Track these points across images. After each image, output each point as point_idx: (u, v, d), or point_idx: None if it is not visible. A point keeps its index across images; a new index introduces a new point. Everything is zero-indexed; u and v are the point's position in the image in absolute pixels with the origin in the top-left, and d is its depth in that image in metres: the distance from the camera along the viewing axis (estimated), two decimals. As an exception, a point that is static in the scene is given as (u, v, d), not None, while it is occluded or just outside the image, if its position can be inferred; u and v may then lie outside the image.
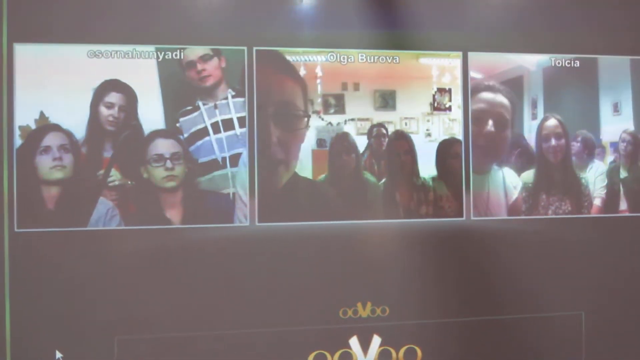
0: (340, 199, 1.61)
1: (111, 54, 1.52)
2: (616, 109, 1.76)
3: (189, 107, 1.56)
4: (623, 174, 1.76)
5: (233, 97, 1.57)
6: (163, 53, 1.54)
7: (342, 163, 1.62)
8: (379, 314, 1.62)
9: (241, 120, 1.57)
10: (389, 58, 1.65)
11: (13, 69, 1.48)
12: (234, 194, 1.56)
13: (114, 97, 1.52)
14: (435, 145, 1.66)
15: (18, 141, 1.48)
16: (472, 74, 1.68)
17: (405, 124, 1.65)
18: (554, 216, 1.71)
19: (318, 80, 1.61)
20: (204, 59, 1.56)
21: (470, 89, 1.68)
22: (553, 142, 1.72)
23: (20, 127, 1.48)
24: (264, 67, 1.58)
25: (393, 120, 1.65)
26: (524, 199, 1.71)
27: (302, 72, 1.60)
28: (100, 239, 1.50)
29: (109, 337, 1.51)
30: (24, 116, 1.48)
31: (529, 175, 1.72)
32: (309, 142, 1.60)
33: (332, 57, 1.62)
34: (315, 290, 1.59)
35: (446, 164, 1.66)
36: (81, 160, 1.50)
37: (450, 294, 1.66)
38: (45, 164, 1.48)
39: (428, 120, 1.66)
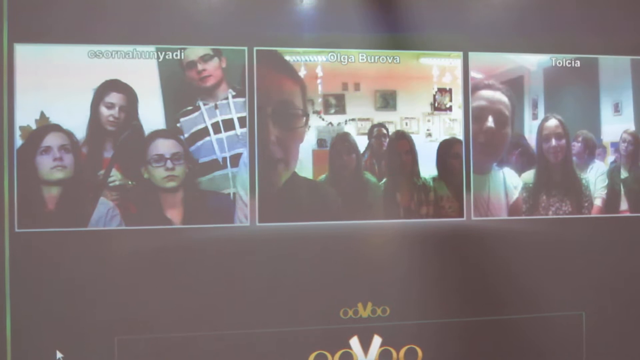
0: (341, 199, 1.61)
1: (112, 54, 1.52)
2: (617, 109, 1.76)
3: (190, 107, 1.56)
4: (624, 174, 1.76)
5: (233, 97, 1.57)
6: (163, 53, 1.54)
7: (343, 163, 1.62)
8: (379, 314, 1.62)
9: (242, 121, 1.57)
10: (390, 58, 1.65)
11: (13, 69, 1.48)
12: (234, 194, 1.56)
13: (114, 98, 1.52)
14: (435, 146, 1.66)
15: (18, 141, 1.48)
16: (473, 74, 1.68)
17: (406, 124, 1.65)
18: (554, 216, 1.71)
19: (318, 80, 1.61)
20: (205, 59, 1.56)
21: (470, 89, 1.68)
22: (553, 142, 1.72)
23: (21, 128, 1.48)
24: (264, 67, 1.58)
25: (394, 121, 1.65)
26: (525, 199, 1.71)
27: (302, 72, 1.60)
28: (101, 239, 1.50)
29: (109, 337, 1.50)
30: (25, 116, 1.48)
31: (529, 175, 1.72)
32: (309, 142, 1.60)
33: (332, 57, 1.62)
34: (315, 290, 1.59)
35: (447, 164, 1.66)
36: (82, 160, 1.50)
37: (451, 294, 1.66)
38: (46, 164, 1.48)
39: (429, 120, 1.66)
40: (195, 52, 1.56)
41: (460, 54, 1.67)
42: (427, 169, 1.66)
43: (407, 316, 1.64)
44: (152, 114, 1.53)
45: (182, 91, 1.56)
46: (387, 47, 1.64)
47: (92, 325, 1.50)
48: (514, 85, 1.70)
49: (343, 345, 1.61)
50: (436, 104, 1.66)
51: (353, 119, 1.63)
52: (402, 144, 1.65)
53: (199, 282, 1.54)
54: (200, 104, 1.56)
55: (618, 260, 1.74)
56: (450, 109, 1.67)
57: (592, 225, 1.73)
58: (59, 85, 1.49)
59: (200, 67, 1.56)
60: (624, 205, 1.76)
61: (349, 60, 1.63)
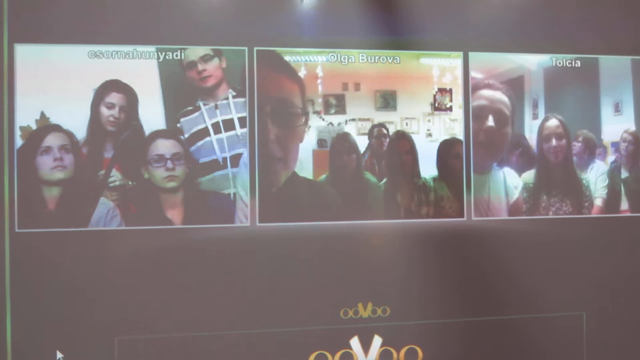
0: (341, 199, 1.61)
1: (112, 55, 1.52)
2: (617, 109, 1.76)
3: (190, 108, 1.56)
4: (624, 174, 1.76)
5: (234, 97, 1.57)
6: (164, 53, 1.54)
7: (343, 163, 1.62)
8: (379, 315, 1.62)
9: (242, 121, 1.57)
10: (390, 58, 1.65)
11: (14, 70, 1.48)
12: (234, 194, 1.56)
13: (114, 98, 1.52)
14: (436, 146, 1.66)
15: (19, 141, 1.48)
16: (473, 74, 1.68)
17: (406, 124, 1.65)
18: (555, 216, 1.71)
19: (319, 81, 1.61)
20: (205, 59, 1.56)
21: (470, 89, 1.68)
22: (554, 142, 1.72)
23: (21, 128, 1.48)
24: (264, 67, 1.58)
25: (394, 121, 1.65)
26: (525, 199, 1.70)
27: (302, 72, 1.60)
28: (101, 239, 1.51)
29: (110, 338, 1.51)
30: (25, 117, 1.48)
31: (530, 175, 1.72)
32: (309, 142, 1.60)
33: (332, 58, 1.62)
34: (316, 290, 1.59)
35: (447, 164, 1.66)
36: (82, 160, 1.50)
37: (451, 294, 1.66)
38: (46, 165, 1.48)
39: (429, 121, 1.66)
40: (195, 52, 1.56)
41: (461, 54, 1.67)
42: (428, 169, 1.66)
43: (407, 316, 1.64)
44: (152, 114, 1.54)
45: (182, 91, 1.56)
46: (387, 47, 1.64)
47: (92, 326, 1.50)
48: (514, 85, 1.70)
49: (343, 346, 1.61)
50: (436, 104, 1.66)
51: (353, 119, 1.63)
52: (403, 144, 1.65)
53: (199, 282, 1.54)
54: (201, 104, 1.56)
55: (619, 261, 1.74)
56: (450, 109, 1.67)
57: (592, 225, 1.73)
58: (59, 85, 1.49)
59: (200, 67, 1.56)
60: (624, 205, 1.76)
61: (349, 60, 1.63)
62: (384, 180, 1.64)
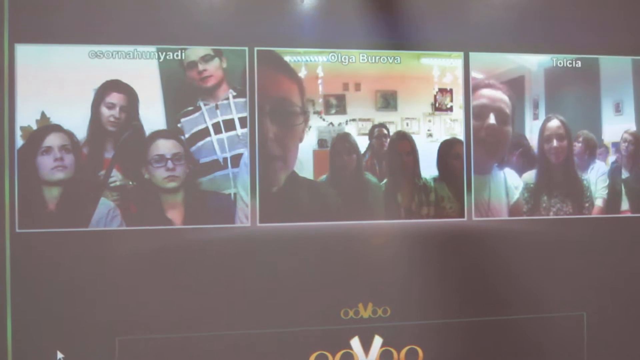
0: (342, 199, 1.61)
1: (112, 55, 1.52)
2: (618, 109, 1.76)
3: (190, 108, 1.56)
4: (625, 174, 1.76)
5: (234, 97, 1.57)
6: (164, 53, 1.54)
7: (343, 163, 1.62)
8: (380, 315, 1.62)
9: (242, 121, 1.57)
10: (390, 58, 1.64)
11: (14, 70, 1.48)
12: (235, 194, 1.56)
13: (115, 98, 1.52)
14: (436, 146, 1.66)
15: (19, 142, 1.48)
16: (474, 74, 1.68)
17: (407, 125, 1.65)
18: (555, 217, 1.71)
19: (319, 81, 1.61)
20: (205, 59, 1.56)
21: (471, 89, 1.68)
22: (555, 143, 1.72)
23: (22, 128, 1.48)
24: (264, 67, 1.58)
25: (394, 121, 1.65)
26: (526, 200, 1.70)
27: (303, 72, 1.60)
28: (102, 239, 1.50)
29: (110, 338, 1.51)
30: (25, 117, 1.48)
31: (530, 175, 1.72)
32: (310, 142, 1.60)
33: (333, 58, 1.62)
34: (316, 290, 1.59)
35: (447, 164, 1.66)
36: (82, 160, 1.50)
37: (451, 294, 1.66)
38: (47, 165, 1.48)
39: (429, 121, 1.66)
40: (196, 52, 1.56)
41: (461, 54, 1.67)
42: (428, 169, 1.66)
43: (408, 317, 1.64)
44: (152, 115, 1.54)
45: (182, 91, 1.56)
46: (387, 47, 1.64)
47: (93, 326, 1.50)
48: (515, 86, 1.70)
49: (344, 346, 1.61)
50: (437, 104, 1.66)
51: (354, 119, 1.63)
52: (404, 144, 1.65)
53: (199, 282, 1.54)
54: (201, 104, 1.56)
55: (619, 261, 1.74)
56: (451, 109, 1.67)
57: (593, 225, 1.73)
58: (60, 85, 1.49)
59: (201, 67, 1.56)
60: (625, 205, 1.76)
61: (350, 60, 1.63)
62: (385, 180, 1.64)
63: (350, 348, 1.61)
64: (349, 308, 1.61)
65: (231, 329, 1.55)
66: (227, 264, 1.55)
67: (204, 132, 1.56)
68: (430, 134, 1.66)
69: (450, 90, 1.67)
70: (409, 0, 1.64)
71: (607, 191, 1.75)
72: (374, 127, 1.64)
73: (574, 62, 1.73)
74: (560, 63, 1.73)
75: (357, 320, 1.61)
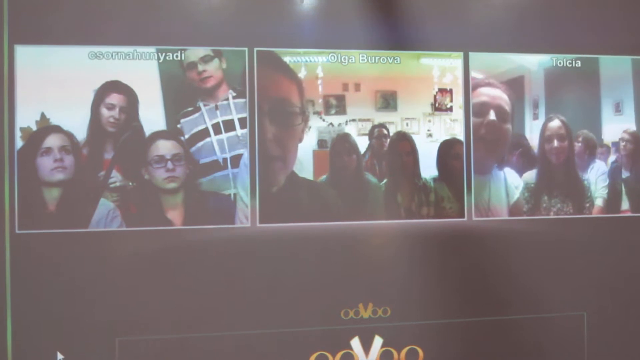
0: (342, 199, 1.61)
1: (112, 56, 1.52)
2: (618, 109, 1.75)
3: (190, 108, 1.56)
4: (625, 174, 1.76)
5: (234, 98, 1.57)
6: (164, 54, 1.54)
7: (343, 164, 1.62)
8: (380, 315, 1.62)
9: (242, 121, 1.57)
10: (390, 59, 1.64)
11: (14, 71, 1.48)
12: (235, 195, 1.56)
13: (114, 99, 1.52)
14: (436, 146, 1.66)
15: (19, 142, 1.48)
16: (473, 74, 1.68)
17: (407, 125, 1.65)
18: (556, 216, 1.71)
19: (319, 81, 1.61)
20: (205, 60, 1.56)
21: (471, 89, 1.68)
22: (556, 143, 1.72)
23: (21, 129, 1.48)
24: (264, 67, 1.58)
25: (394, 121, 1.65)
26: (526, 200, 1.70)
27: (302, 73, 1.60)
28: (102, 240, 1.50)
29: (111, 339, 1.51)
30: (25, 118, 1.48)
31: (530, 175, 1.72)
32: (310, 143, 1.60)
33: (332, 58, 1.62)
34: (316, 291, 1.59)
35: (447, 164, 1.66)
36: (82, 161, 1.50)
37: (452, 294, 1.66)
38: (46, 166, 1.48)
39: (429, 121, 1.66)
40: (195, 53, 1.56)
41: (461, 54, 1.67)
42: (428, 169, 1.66)
43: (408, 317, 1.64)
44: (152, 115, 1.54)
45: (182, 92, 1.56)
46: (387, 47, 1.64)
47: (93, 327, 1.50)
48: (515, 86, 1.70)
49: (344, 346, 1.61)
50: (437, 105, 1.66)
51: (353, 120, 1.63)
52: (404, 145, 1.65)
53: (199, 283, 1.54)
54: (201, 104, 1.56)
55: (619, 260, 1.74)
56: (450, 109, 1.67)
57: (593, 225, 1.73)
58: (60, 86, 1.49)
59: (200, 68, 1.56)
60: (625, 205, 1.76)
61: (350, 60, 1.63)
62: (385, 180, 1.64)
63: (351, 348, 1.61)
64: (349, 308, 1.61)
65: (231, 330, 1.55)
66: (227, 265, 1.55)
67: (204, 133, 1.56)
68: (430, 134, 1.66)
69: (450, 91, 1.67)
70: (408, 0, 1.64)
71: (607, 191, 1.75)
72: (373, 127, 1.64)
73: (573, 61, 1.73)
74: (560, 63, 1.73)
75: (357, 321, 1.61)
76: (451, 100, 1.67)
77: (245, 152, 1.57)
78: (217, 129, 1.57)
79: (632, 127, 1.76)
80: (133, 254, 1.52)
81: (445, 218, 1.66)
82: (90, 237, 1.50)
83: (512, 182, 1.71)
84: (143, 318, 1.52)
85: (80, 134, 1.50)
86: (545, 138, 1.72)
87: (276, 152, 1.58)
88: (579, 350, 1.71)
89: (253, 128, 1.57)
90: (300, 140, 1.60)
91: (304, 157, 1.60)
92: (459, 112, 1.67)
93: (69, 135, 1.49)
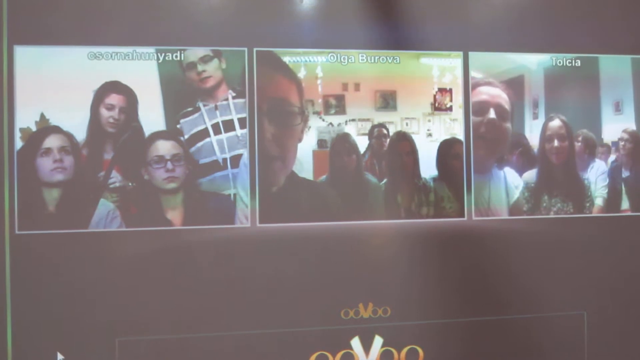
0: (341, 199, 1.61)
1: (111, 56, 1.52)
2: (618, 108, 1.75)
3: (190, 109, 1.56)
4: (625, 173, 1.76)
5: (233, 98, 1.57)
6: (163, 54, 1.54)
7: (343, 164, 1.62)
8: (380, 315, 1.62)
9: (242, 121, 1.57)
10: (390, 58, 1.64)
11: (13, 71, 1.48)
12: (234, 195, 1.56)
13: (114, 99, 1.52)
14: (436, 146, 1.66)
15: (19, 143, 1.48)
16: (473, 73, 1.67)
17: (406, 124, 1.65)
18: (555, 216, 1.71)
19: (318, 81, 1.61)
20: (205, 60, 1.56)
21: (470, 89, 1.67)
22: (556, 143, 1.71)
23: (21, 129, 1.48)
24: (263, 67, 1.58)
25: (394, 121, 1.64)
26: (526, 199, 1.70)
27: (302, 73, 1.60)
28: (101, 240, 1.50)
29: (111, 339, 1.51)
30: (25, 118, 1.48)
31: (530, 175, 1.72)
32: (309, 143, 1.60)
33: (332, 58, 1.62)
34: (316, 290, 1.59)
35: (447, 164, 1.66)
36: (82, 162, 1.50)
37: (452, 294, 1.66)
38: (46, 166, 1.48)
39: (429, 120, 1.66)
40: (195, 53, 1.56)
41: (461, 53, 1.67)
42: (428, 169, 1.65)
43: (408, 317, 1.64)
44: (152, 116, 1.53)
45: (182, 92, 1.56)
46: (387, 47, 1.64)
47: (93, 327, 1.50)
48: (514, 85, 1.70)
49: (344, 346, 1.61)
50: (436, 104, 1.66)
51: (353, 120, 1.63)
52: (404, 145, 1.65)
53: (199, 283, 1.54)
54: (200, 105, 1.56)
55: (619, 260, 1.74)
56: (450, 109, 1.67)
57: (593, 224, 1.73)
58: (59, 86, 1.49)
59: (200, 68, 1.56)
60: (625, 204, 1.76)
61: (349, 60, 1.63)
62: (384, 180, 1.64)
63: (351, 348, 1.61)
64: (349, 308, 1.61)
65: (231, 330, 1.55)
66: (227, 265, 1.55)
67: (204, 133, 1.56)
68: (430, 133, 1.66)
69: (450, 90, 1.67)
70: (408, 0, 1.64)
71: (607, 190, 1.74)
72: (373, 127, 1.64)
73: (573, 61, 1.73)
74: (559, 62, 1.73)
75: (357, 320, 1.61)
76: (451, 100, 1.67)
77: (244, 152, 1.57)
78: (216, 129, 1.56)
79: (632, 127, 1.76)
80: (133, 255, 1.52)
81: (445, 218, 1.66)
82: (90, 237, 1.50)
83: (512, 181, 1.71)
84: (143, 318, 1.52)
85: (80, 134, 1.50)
86: (545, 137, 1.72)
87: (276, 152, 1.58)
88: (579, 350, 1.71)
89: (253, 128, 1.57)
90: (300, 140, 1.60)
91: (304, 157, 1.60)
92: (458, 112, 1.67)
93: (69, 136, 1.49)
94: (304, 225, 1.59)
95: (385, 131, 1.64)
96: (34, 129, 1.48)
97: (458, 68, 1.67)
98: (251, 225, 1.56)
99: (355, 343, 1.61)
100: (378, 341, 1.62)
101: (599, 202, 1.74)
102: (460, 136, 1.67)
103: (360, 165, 1.63)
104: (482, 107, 1.68)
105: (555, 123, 1.72)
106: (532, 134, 1.71)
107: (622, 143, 1.75)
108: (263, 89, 1.58)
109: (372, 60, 1.64)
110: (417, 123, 1.65)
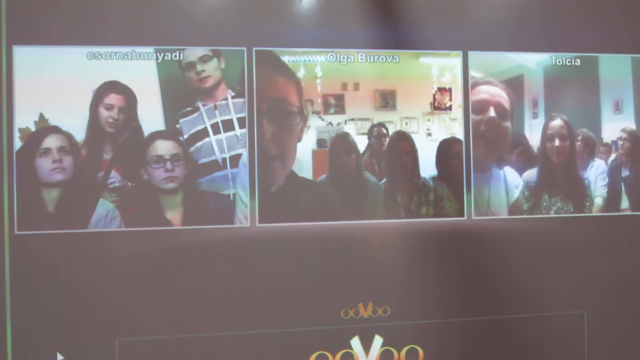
0: (341, 199, 1.61)
1: (110, 56, 1.52)
2: (617, 107, 1.75)
3: (189, 108, 1.56)
4: (624, 172, 1.76)
5: (233, 97, 1.57)
6: (162, 54, 1.54)
7: (343, 163, 1.62)
8: (380, 314, 1.62)
9: (241, 121, 1.57)
10: (389, 58, 1.64)
11: (12, 72, 1.48)
12: (234, 194, 1.56)
13: (113, 99, 1.52)
14: (435, 145, 1.66)
15: (18, 143, 1.48)
16: (473, 73, 1.67)
17: (406, 124, 1.65)
18: (555, 215, 1.71)
19: (318, 81, 1.61)
20: (204, 59, 1.56)
21: (470, 88, 1.67)
22: (557, 142, 1.71)
23: (20, 129, 1.48)
24: (263, 67, 1.58)
25: (393, 120, 1.64)
26: (526, 199, 1.70)
27: (301, 72, 1.60)
28: (101, 240, 1.50)
29: (110, 339, 1.50)
30: (24, 118, 1.48)
31: (531, 174, 1.72)
32: (309, 142, 1.60)
33: (331, 57, 1.62)
34: (316, 290, 1.59)
35: (447, 163, 1.66)
36: (81, 162, 1.50)
37: (452, 293, 1.66)
38: (45, 166, 1.48)
39: (428, 120, 1.66)
40: (194, 53, 1.56)
41: (460, 53, 1.67)
42: (427, 168, 1.65)
43: (408, 316, 1.64)
44: (151, 115, 1.53)
45: (181, 92, 1.55)
46: (386, 46, 1.64)
47: (92, 327, 1.50)
48: (514, 85, 1.70)
49: (344, 346, 1.61)
50: (436, 104, 1.66)
51: (353, 119, 1.63)
52: (403, 144, 1.65)
53: (199, 283, 1.54)
54: (200, 104, 1.56)
55: (619, 259, 1.74)
56: (450, 108, 1.67)
57: (593, 224, 1.73)
58: (58, 87, 1.49)
59: (199, 67, 1.56)
60: (624, 203, 1.75)
61: (348, 60, 1.63)
62: (384, 180, 1.64)
63: (351, 348, 1.61)
64: (349, 308, 1.61)
65: (231, 330, 1.55)
66: (226, 265, 1.55)
67: (203, 133, 1.56)
68: (430, 133, 1.66)
69: (449, 90, 1.67)
70: (407, -1, 1.65)
71: (606, 189, 1.74)
72: (373, 126, 1.64)
73: (573, 60, 1.73)
74: (559, 62, 1.73)
75: (357, 320, 1.61)
76: (450, 99, 1.67)
77: (244, 152, 1.57)
78: (216, 128, 1.56)
79: (632, 126, 1.76)
80: (132, 255, 1.52)
81: (444, 217, 1.65)
82: (90, 237, 1.50)
83: (512, 181, 1.70)
84: (143, 318, 1.52)
85: (79, 134, 1.50)
86: (547, 137, 1.71)
87: (275, 152, 1.58)
88: (579, 350, 1.71)
89: (252, 128, 1.57)
90: (299, 139, 1.60)
91: (303, 157, 1.60)
92: (458, 111, 1.67)
93: (68, 136, 1.49)
94: (304, 225, 1.59)
95: (384, 131, 1.64)
96: (33, 129, 1.48)
97: (457, 67, 1.67)
98: (251, 225, 1.56)
99: (355, 343, 1.61)
100: (378, 341, 1.62)
101: (598, 201, 1.74)
102: (460, 135, 1.67)
103: (359, 164, 1.63)
104: (482, 106, 1.68)
105: (557, 122, 1.72)
106: (532, 133, 1.71)
107: (620, 142, 1.75)
108: (262, 88, 1.58)
109: (372, 60, 1.64)
110: (416, 122, 1.65)
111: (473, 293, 1.66)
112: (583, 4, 1.73)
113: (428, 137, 1.66)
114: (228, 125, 1.57)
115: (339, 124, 1.62)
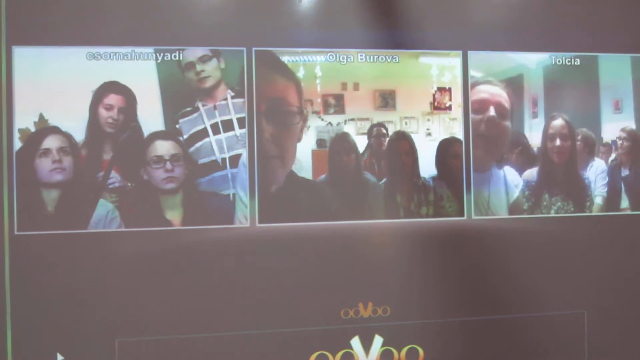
0: (341, 199, 1.61)
1: (110, 56, 1.52)
2: (617, 107, 1.75)
3: (189, 109, 1.56)
4: (624, 172, 1.76)
5: (232, 97, 1.57)
6: (162, 54, 1.54)
7: (342, 163, 1.62)
8: (380, 314, 1.62)
9: (241, 121, 1.57)
10: (389, 57, 1.64)
11: (12, 72, 1.48)
12: (234, 195, 1.56)
13: (113, 99, 1.52)
14: (435, 145, 1.66)
15: (18, 144, 1.48)
16: (472, 72, 1.67)
17: (405, 124, 1.65)
18: (555, 215, 1.71)
19: (317, 81, 1.61)
20: (203, 60, 1.56)
21: (470, 88, 1.67)
22: (558, 142, 1.71)
23: (20, 130, 1.48)
24: (262, 67, 1.58)
25: (393, 120, 1.64)
26: (526, 198, 1.70)
27: (301, 72, 1.60)
28: (101, 241, 1.50)
29: (110, 339, 1.50)
30: (24, 119, 1.48)
31: (531, 174, 1.71)
32: (309, 142, 1.60)
33: (331, 57, 1.62)
34: (316, 290, 1.59)
35: (446, 163, 1.66)
36: (81, 162, 1.50)
37: (452, 293, 1.66)
38: (45, 167, 1.48)
39: (428, 120, 1.66)
40: (193, 53, 1.56)
41: (460, 53, 1.67)
42: (427, 168, 1.65)
43: (408, 316, 1.64)
44: (151, 116, 1.53)
45: (180, 92, 1.55)
46: (386, 46, 1.64)
47: (92, 328, 1.50)
48: (514, 84, 1.70)
49: (344, 346, 1.61)
50: (436, 103, 1.66)
51: (352, 119, 1.63)
52: (403, 144, 1.65)
53: (199, 283, 1.54)
54: (199, 105, 1.56)
55: (619, 259, 1.74)
56: (449, 108, 1.67)
57: (593, 223, 1.73)
58: (58, 87, 1.49)
59: (198, 68, 1.56)
60: (624, 203, 1.75)
61: (348, 60, 1.63)
62: (384, 180, 1.64)
63: (351, 348, 1.61)
64: (349, 308, 1.61)
65: (231, 330, 1.55)
66: (226, 265, 1.55)
67: (203, 133, 1.56)
68: (429, 133, 1.66)
69: (449, 89, 1.67)
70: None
71: (606, 189, 1.74)
72: (372, 126, 1.64)
73: (572, 60, 1.73)
74: (559, 61, 1.72)
75: (357, 320, 1.61)
76: (450, 99, 1.67)
77: (244, 152, 1.57)
78: (215, 129, 1.56)
79: (631, 125, 1.76)
80: (132, 255, 1.52)
81: (444, 217, 1.65)
82: (90, 238, 1.50)
83: (512, 180, 1.70)
84: (143, 319, 1.52)
85: (79, 134, 1.50)
86: (548, 136, 1.71)
87: (275, 152, 1.58)
88: (580, 349, 1.71)
89: (252, 128, 1.57)
90: (299, 139, 1.60)
91: (303, 157, 1.60)
92: (458, 111, 1.67)
93: (68, 136, 1.49)
94: (304, 225, 1.59)
95: (384, 130, 1.64)
96: (32, 129, 1.48)
97: (457, 67, 1.67)
98: (250, 225, 1.56)
99: (355, 343, 1.61)
100: (378, 341, 1.62)
101: (598, 201, 1.74)
102: (460, 135, 1.67)
103: (359, 164, 1.63)
104: (481, 106, 1.68)
105: (559, 122, 1.72)
106: (532, 132, 1.71)
107: (620, 142, 1.75)
108: (262, 88, 1.58)
109: (371, 60, 1.64)
110: (416, 122, 1.65)
111: (473, 293, 1.66)
112: (583, 4, 1.73)
113: (428, 137, 1.66)
114: (228, 126, 1.57)
115: (338, 124, 1.62)
